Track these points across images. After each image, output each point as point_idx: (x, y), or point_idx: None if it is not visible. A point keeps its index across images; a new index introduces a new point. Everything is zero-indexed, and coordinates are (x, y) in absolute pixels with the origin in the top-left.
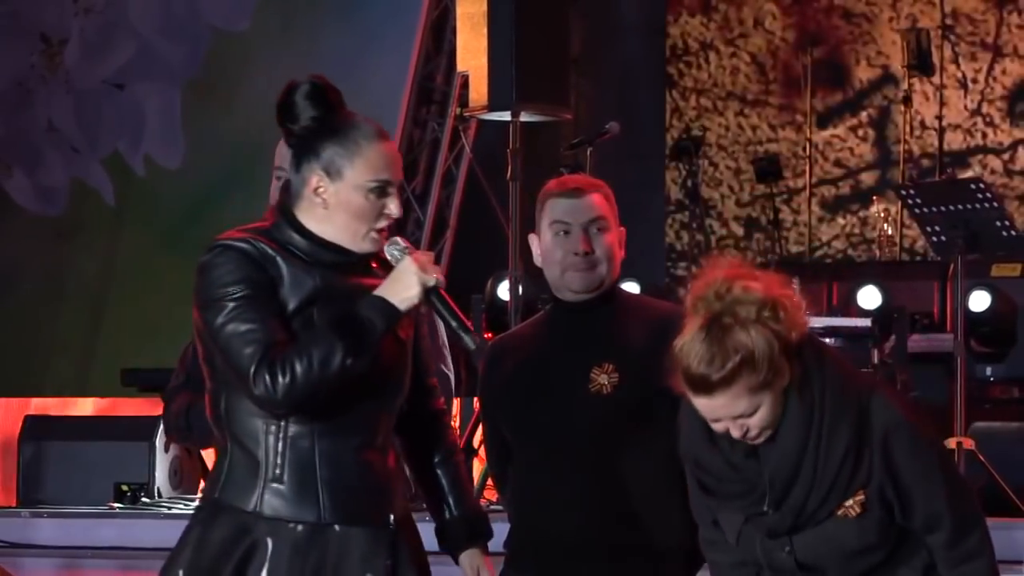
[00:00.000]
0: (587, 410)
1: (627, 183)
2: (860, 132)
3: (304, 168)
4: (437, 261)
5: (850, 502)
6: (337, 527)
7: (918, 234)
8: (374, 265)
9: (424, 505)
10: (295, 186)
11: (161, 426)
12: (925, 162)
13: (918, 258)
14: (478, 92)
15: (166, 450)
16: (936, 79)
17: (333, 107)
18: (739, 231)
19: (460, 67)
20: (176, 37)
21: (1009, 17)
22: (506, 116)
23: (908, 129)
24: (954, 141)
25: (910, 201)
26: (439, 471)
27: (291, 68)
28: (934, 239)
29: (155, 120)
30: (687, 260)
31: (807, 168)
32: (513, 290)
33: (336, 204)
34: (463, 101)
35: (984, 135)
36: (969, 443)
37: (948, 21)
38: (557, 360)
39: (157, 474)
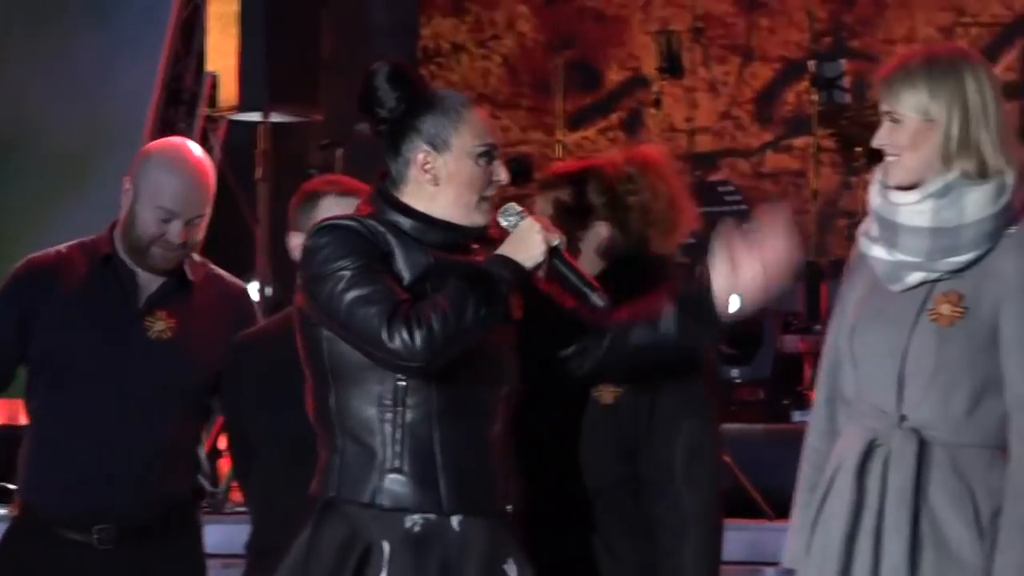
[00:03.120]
0: None
1: None
2: (610, 134)
3: (406, 148)
4: None
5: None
6: (455, 520)
7: None
8: (475, 247)
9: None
10: (397, 170)
11: None
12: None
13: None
14: (228, 93)
15: None
16: (686, 81)
17: (416, 84)
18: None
19: (210, 67)
20: None
21: (759, 20)
22: (256, 117)
23: (658, 131)
24: (703, 143)
25: None
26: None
27: (41, 72)
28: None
29: None
30: None
31: None
32: (262, 291)
33: (447, 176)
34: (212, 102)
35: (733, 137)
36: None
37: (699, 24)
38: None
39: None
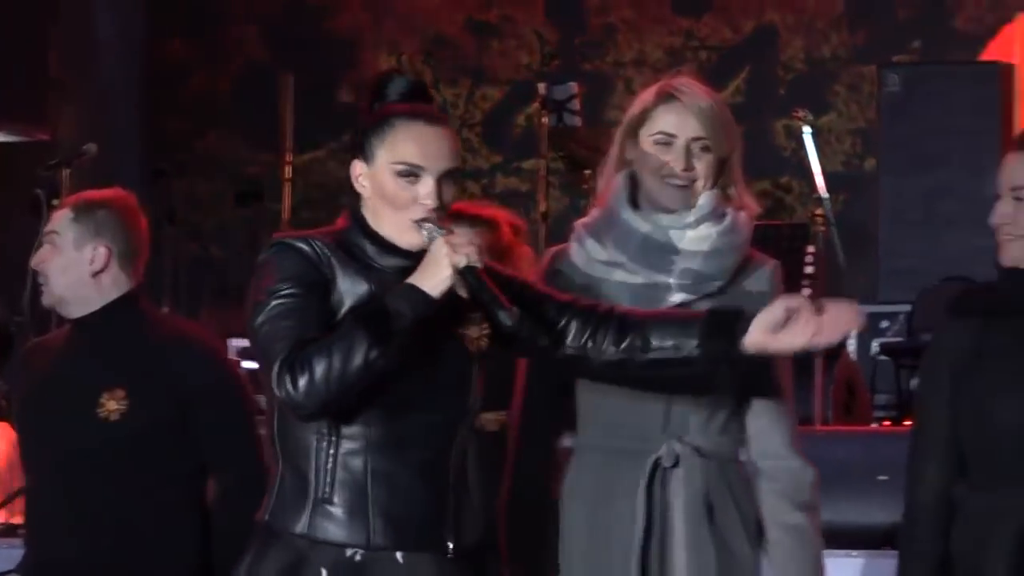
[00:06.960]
0: (95, 435)
1: None
2: (342, 155)
3: (354, 157)
4: None
5: None
6: (399, 555)
7: None
8: None
9: None
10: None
11: None
12: None
13: None
14: None
15: None
16: None
17: (380, 95)
18: (219, 254)
19: None
20: None
21: (490, 42)
22: None
23: None
24: None
25: None
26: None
27: None
28: None
29: None
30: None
31: (287, 191)
32: None
33: (371, 190)
34: None
35: (464, 160)
36: None
37: (430, 46)
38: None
39: None
